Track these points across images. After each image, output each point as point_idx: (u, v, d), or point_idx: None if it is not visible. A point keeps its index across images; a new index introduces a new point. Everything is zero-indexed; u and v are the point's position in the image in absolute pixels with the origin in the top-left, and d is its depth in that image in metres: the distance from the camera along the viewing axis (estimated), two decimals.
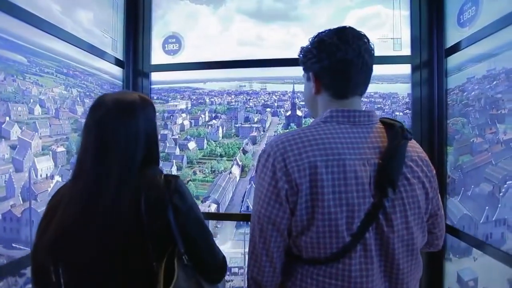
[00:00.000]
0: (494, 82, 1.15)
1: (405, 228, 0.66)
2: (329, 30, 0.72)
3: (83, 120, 0.71)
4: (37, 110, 1.18)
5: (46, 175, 1.20)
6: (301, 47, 0.77)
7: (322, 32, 0.72)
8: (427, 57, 1.50)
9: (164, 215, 0.64)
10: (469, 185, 1.28)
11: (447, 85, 1.43)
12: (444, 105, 1.44)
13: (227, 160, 1.78)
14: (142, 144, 0.69)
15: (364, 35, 0.71)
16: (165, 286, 0.62)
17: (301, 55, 0.77)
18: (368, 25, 1.58)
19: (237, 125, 1.81)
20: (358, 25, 0.71)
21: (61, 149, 1.28)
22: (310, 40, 0.74)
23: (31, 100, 1.14)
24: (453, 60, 1.40)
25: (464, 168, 1.32)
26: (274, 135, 1.80)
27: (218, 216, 1.80)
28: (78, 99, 1.38)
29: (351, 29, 0.71)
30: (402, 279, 0.66)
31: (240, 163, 1.80)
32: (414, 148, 0.70)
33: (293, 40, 1.62)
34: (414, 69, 1.52)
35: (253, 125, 1.81)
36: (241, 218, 1.72)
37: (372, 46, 0.71)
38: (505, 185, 1.08)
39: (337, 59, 0.68)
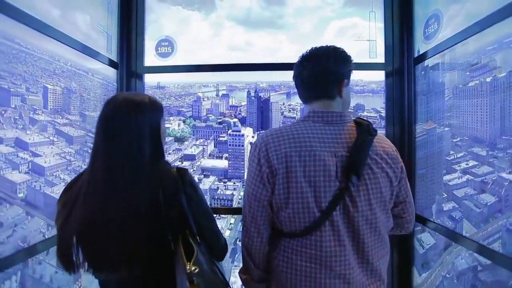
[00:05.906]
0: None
1: (368, 209, 0.81)
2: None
3: None
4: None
5: None
6: None
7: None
8: (398, 64, 1.68)
9: (179, 203, 0.74)
10: None
11: (415, 93, 1.62)
12: (413, 109, 1.62)
13: None
14: (147, 137, 0.75)
15: (332, 50, 0.86)
16: (188, 259, 0.71)
17: None
18: (347, 34, 1.75)
19: None
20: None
21: None
22: None
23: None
24: (421, 69, 1.59)
25: None
26: None
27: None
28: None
29: (316, 49, 0.87)
30: (367, 252, 0.81)
31: None
32: (380, 143, 0.85)
33: (280, 46, 1.75)
34: (387, 75, 1.69)
35: None
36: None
37: (341, 56, 0.86)
38: None
39: (295, 75, 0.91)
